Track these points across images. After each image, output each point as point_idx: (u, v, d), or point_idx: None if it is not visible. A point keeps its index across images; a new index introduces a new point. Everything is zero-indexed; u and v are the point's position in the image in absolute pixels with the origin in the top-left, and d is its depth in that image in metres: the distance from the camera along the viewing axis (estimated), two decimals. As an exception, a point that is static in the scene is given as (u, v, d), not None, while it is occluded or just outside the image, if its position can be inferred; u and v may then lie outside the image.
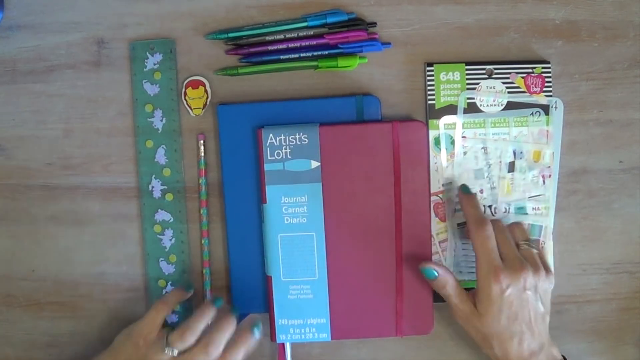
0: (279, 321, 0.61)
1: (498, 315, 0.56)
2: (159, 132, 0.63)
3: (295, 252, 0.60)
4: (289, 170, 0.59)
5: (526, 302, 0.56)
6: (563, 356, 0.59)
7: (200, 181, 0.63)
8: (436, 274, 0.58)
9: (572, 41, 0.64)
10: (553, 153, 0.63)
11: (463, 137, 0.63)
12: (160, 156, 0.63)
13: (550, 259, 0.64)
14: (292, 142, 0.59)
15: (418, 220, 0.61)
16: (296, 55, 0.62)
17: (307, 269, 0.60)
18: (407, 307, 0.61)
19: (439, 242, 0.64)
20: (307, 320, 0.61)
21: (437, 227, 0.63)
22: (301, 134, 0.59)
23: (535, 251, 0.59)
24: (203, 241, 0.64)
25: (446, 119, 0.63)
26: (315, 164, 0.59)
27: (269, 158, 0.59)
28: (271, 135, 0.59)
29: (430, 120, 0.63)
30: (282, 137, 0.59)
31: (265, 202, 0.60)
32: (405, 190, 0.60)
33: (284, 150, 0.59)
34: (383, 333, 0.62)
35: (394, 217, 0.60)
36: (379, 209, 0.60)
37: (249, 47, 0.62)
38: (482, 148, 0.63)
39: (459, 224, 0.64)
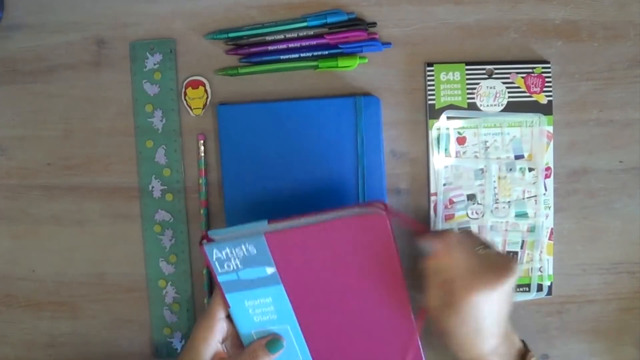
0: None
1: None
2: (159, 132, 0.63)
3: None
4: (244, 279, 0.54)
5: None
6: (522, 341, 0.58)
7: (200, 181, 0.63)
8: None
9: (572, 41, 0.64)
10: (553, 153, 0.63)
11: (463, 137, 0.63)
12: (160, 156, 0.63)
13: (549, 259, 0.64)
14: (240, 253, 0.53)
15: (395, 313, 0.55)
16: (296, 56, 0.62)
17: (290, 354, 0.57)
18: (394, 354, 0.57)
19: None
20: None
21: (441, 226, 0.63)
22: (247, 244, 0.53)
23: (493, 251, 0.56)
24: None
25: (446, 119, 0.63)
26: (270, 270, 0.53)
27: (220, 271, 0.54)
28: (215, 251, 0.53)
29: (430, 120, 0.63)
30: (228, 251, 0.53)
31: (230, 307, 0.55)
32: (377, 285, 0.54)
33: (233, 262, 0.53)
34: None
35: (370, 310, 0.55)
36: (352, 302, 0.55)
37: (249, 47, 0.62)
38: (482, 148, 0.63)
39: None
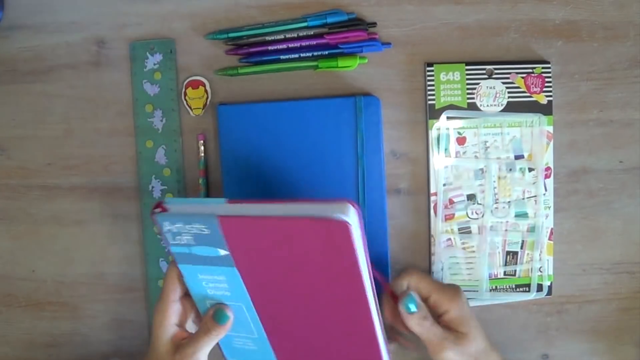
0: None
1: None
2: (159, 132, 0.63)
3: None
4: (197, 255, 0.51)
5: None
6: None
7: (200, 181, 0.63)
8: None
9: (572, 41, 0.64)
10: (553, 153, 0.63)
11: (463, 137, 0.63)
12: (160, 156, 0.63)
13: (549, 259, 0.64)
14: (192, 230, 0.50)
15: (357, 324, 0.52)
16: (296, 56, 0.62)
17: (244, 329, 0.56)
18: (354, 348, 0.55)
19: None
20: None
21: (441, 226, 0.64)
22: (199, 224, 0.49)
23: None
24: (203, 241, 0.64)
25: (446, 119, 0.63)
26: (223, 252, 0.50)
27: (172, 242, 0.51)
28: (167, 223, 0.50)
29: (430, 120, 0.63)
30: (180, 226, 0.50)
31: (183, 276, 0.54)
32: (337, 291, 0.50)
33: (185, 237, 0.50)
34: None
35: (331, 313, 0.53)
36: (310, 300, 0.52)
37: (249, 47, 0.62)
38: (482, 148, 0.63)
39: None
